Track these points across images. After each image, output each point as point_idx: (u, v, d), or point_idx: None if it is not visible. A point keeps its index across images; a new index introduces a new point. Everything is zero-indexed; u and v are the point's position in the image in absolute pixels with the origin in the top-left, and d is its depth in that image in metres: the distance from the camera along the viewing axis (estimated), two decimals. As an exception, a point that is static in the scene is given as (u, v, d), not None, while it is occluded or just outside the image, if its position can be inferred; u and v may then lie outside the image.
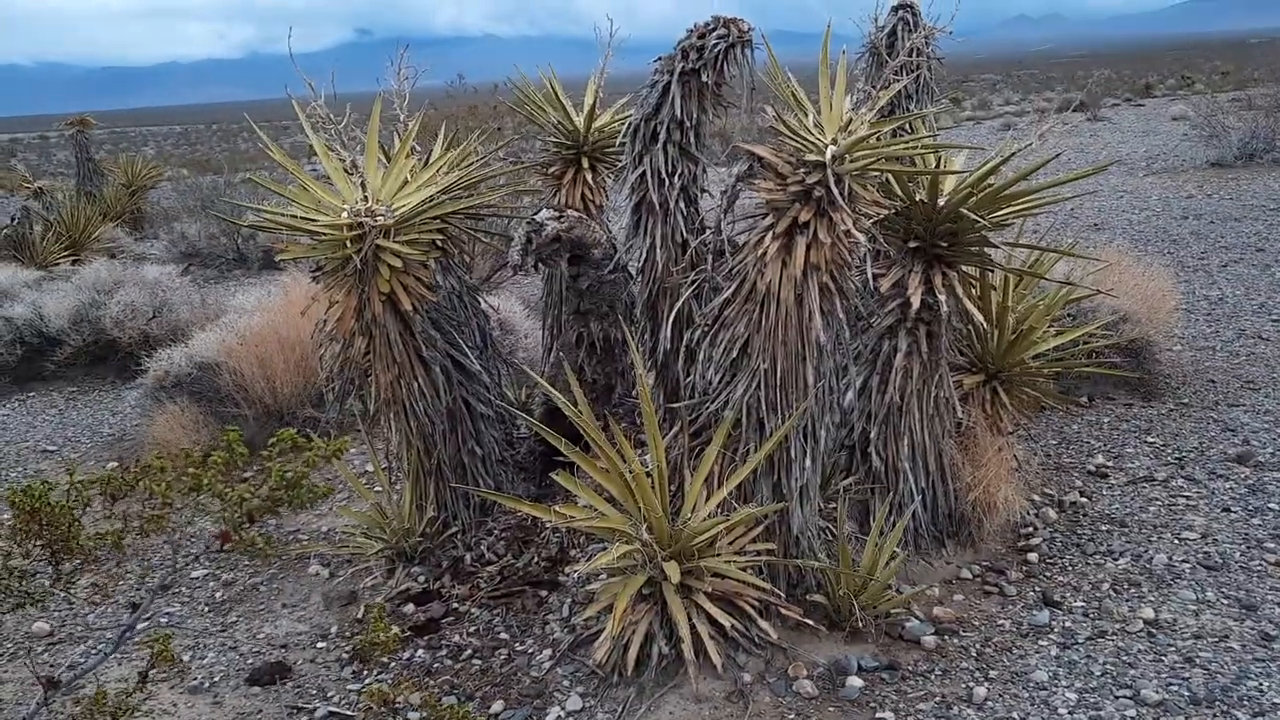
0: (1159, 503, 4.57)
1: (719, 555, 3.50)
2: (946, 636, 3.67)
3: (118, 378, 7.66)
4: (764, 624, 3.52)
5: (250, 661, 3.83)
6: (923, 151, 3.92)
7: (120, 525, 2.61)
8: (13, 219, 11.89)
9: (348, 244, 3.65)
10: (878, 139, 3.27)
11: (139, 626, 4.14)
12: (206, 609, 4.27)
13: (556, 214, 4.26)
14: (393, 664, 3.72)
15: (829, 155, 3.07)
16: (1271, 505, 4.43)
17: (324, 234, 3.71)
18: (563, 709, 3.37)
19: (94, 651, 3.94)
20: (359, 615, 4.08)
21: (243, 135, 49.87)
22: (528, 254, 4.18)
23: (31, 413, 7.22)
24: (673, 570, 3.31)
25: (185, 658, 3.87)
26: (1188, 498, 4.59)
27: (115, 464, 6.01)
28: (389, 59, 4.51)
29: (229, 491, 2.79)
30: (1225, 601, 3.76)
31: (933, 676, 3.45)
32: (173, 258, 12.32)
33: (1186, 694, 3.23)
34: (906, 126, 4.17)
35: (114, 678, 3.60)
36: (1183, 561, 4.05)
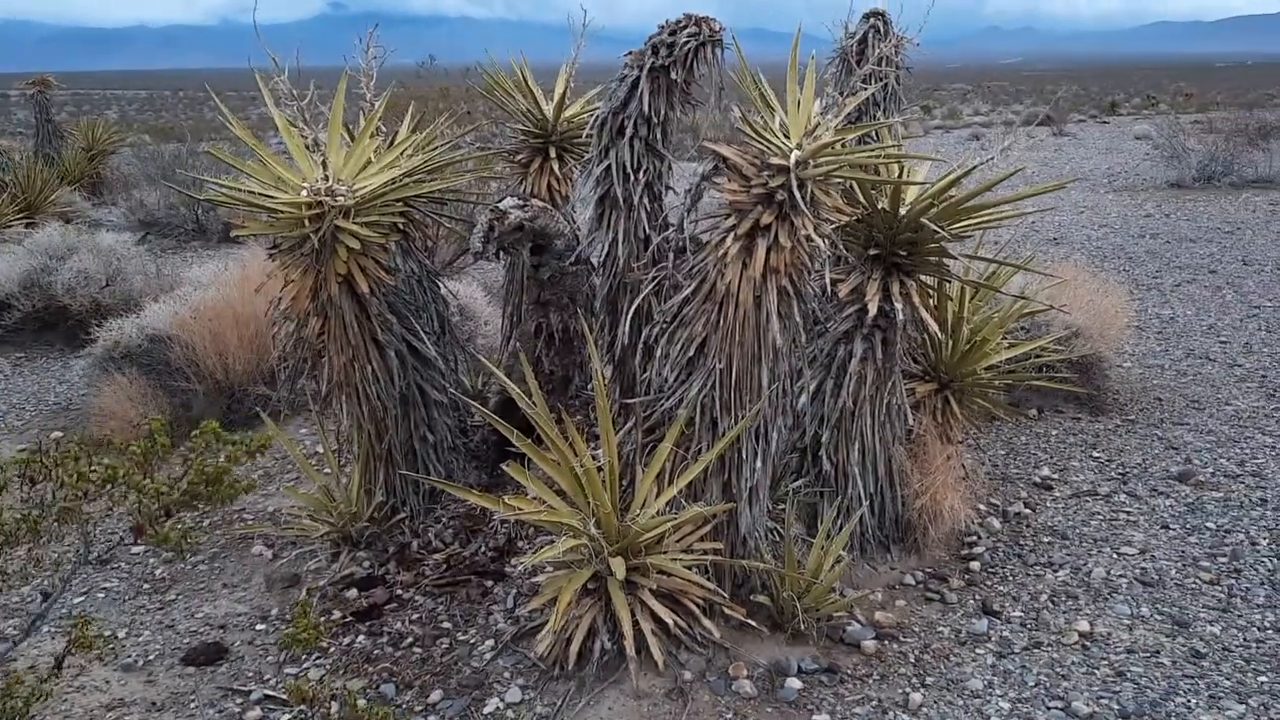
0: (1100, 517, 4.64)
1: (666, 553, 3.50)
2: (886, 641, 3.70)
3: (66, 346, 7.52)
4: (707, 623, 3.53)
5: (187, 641, 3.78)
6: (886, 160, 3.94)
7: (38, 511, 2.54)
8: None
9: (306, 223, 3.60)
10: (842, 145, 3.29)
11: (74, 602, 4.08)
12: (146, 585, 4.21)
13: (521, 202, 4.24)
14: (332, 649, 3.69)
15: (793, 160, 3.07)
16: (1209, 524, 4.52)
17: (282, 211, 3.66)
18: (502, 700, 3.36)
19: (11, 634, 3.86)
20: (301, 598, 4.04)
21: (209, 104, 49.05)
22: (490, 241, 4.16)
23: (-25, 377, 7.07)
24: (618, 566, 3.31)
25: (121, 634, 3.81)
26: (1129, 513, 4.67)
27: (60, 433, 5.91)
28: (360, 35, 4.45)
29: (146, 483, 2.71)
30: (1159, 617, 3.82)
31: (870, 681, 3.48)
32: (130, 226, 12.09)
33: (1116, 708, 3.29)
34: (872, 134, 4.19)
35: (47, 652, 3.55)
36: (1120, 576, 4.12)
